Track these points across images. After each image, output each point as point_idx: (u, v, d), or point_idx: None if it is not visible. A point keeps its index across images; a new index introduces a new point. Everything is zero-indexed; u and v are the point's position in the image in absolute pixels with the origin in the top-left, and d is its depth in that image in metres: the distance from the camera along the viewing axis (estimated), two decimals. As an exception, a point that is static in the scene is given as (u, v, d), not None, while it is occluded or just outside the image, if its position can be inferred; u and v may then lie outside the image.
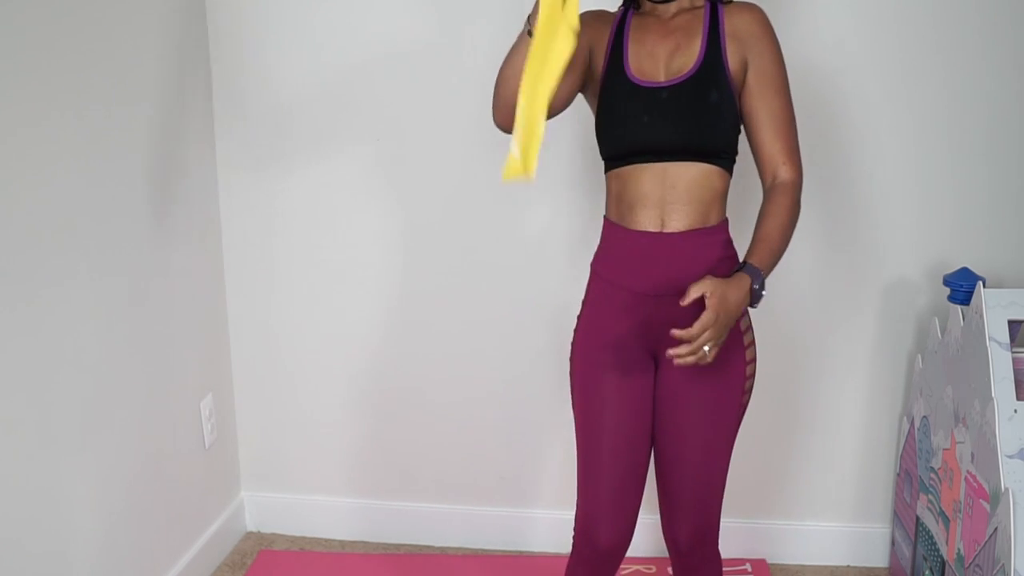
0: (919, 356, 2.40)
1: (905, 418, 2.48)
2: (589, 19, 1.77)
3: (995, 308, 2.03)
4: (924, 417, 2.34)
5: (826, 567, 2.64)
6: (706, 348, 1.56)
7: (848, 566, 2.64)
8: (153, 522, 2.31)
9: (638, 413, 1.77)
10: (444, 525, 2.74)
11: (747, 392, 1.79)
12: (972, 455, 2.05)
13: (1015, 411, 1.96)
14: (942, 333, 2.27)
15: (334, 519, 2.78)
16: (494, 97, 1.74)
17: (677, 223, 1.71)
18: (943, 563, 2.19)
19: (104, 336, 2.09)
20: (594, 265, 1.84)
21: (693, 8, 1.78)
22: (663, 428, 1.78)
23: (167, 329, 2.37)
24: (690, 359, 1.57)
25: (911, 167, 2.39)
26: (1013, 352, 2.01)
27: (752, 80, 1.72)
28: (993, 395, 1.98)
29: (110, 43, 2.07)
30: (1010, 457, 1.93)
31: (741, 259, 1.70)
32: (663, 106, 1.70)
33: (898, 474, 2.52)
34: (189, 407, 2.50)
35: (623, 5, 1.84)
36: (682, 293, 1.58)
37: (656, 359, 1.78)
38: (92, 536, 2.06)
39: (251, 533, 2.83)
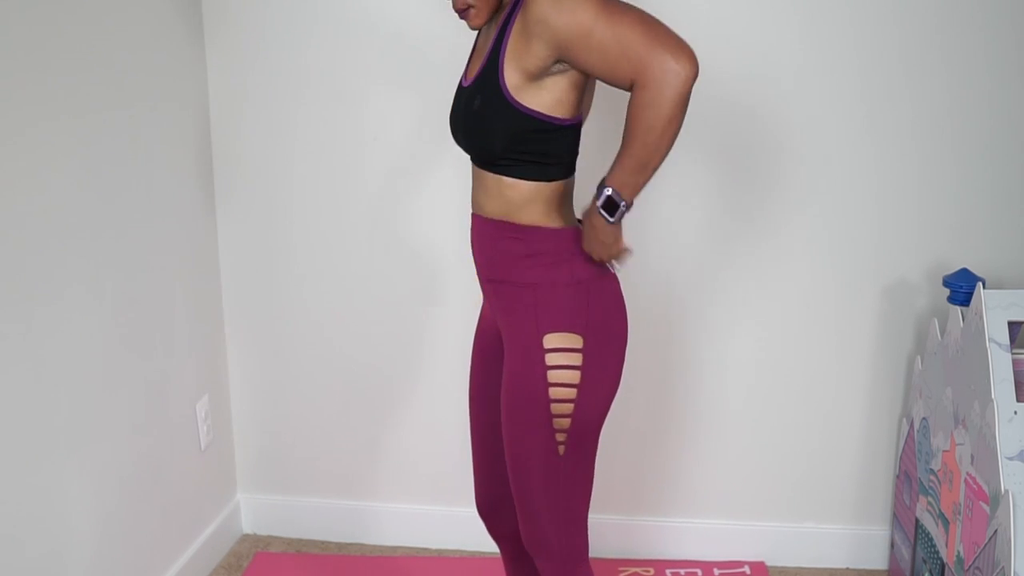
0: (919, 357, 2.39)
1: (904, 419, 2.47)
2: None
3: (995, 309, 2.02)
4: (924, 419, 2.33)
5: (825, 569, 2.63)
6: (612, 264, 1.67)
7: (847, 568, 2.64)
8: (149, 524, 2.30)
9: (485, 392, 1.84)
10: (441, 527, 2.73)
11: (555, 402, 1.64)
12: (972, 457, 2.04)
13: (1015, 413, 1.96)
14: (942, 334, 2.26)
15: (330, 521, 2.77)
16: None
17: (488, 209, 1.69)
18: (943, 565, 2.18)
19: (100, 338, 2.08)
20: None
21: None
22: None
23: (163, 331, 2.36)
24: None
25: (911, 168, 2.39)
26: (1013, 353, 2.00)
27: (569, 57, 1.53)
28: (993, 397, 1.97)
29: (106, 44, 2.06)
30: (1010, 459, 1.93)
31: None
32: (455, 109, 1.73)
33: (897, 476, 2.51)
34: (185, 409, 2.49)
35: None
36: (493, 280, 1.70)
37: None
38: (88, 538, 2.05)
39: (247, 535, 2.82)
